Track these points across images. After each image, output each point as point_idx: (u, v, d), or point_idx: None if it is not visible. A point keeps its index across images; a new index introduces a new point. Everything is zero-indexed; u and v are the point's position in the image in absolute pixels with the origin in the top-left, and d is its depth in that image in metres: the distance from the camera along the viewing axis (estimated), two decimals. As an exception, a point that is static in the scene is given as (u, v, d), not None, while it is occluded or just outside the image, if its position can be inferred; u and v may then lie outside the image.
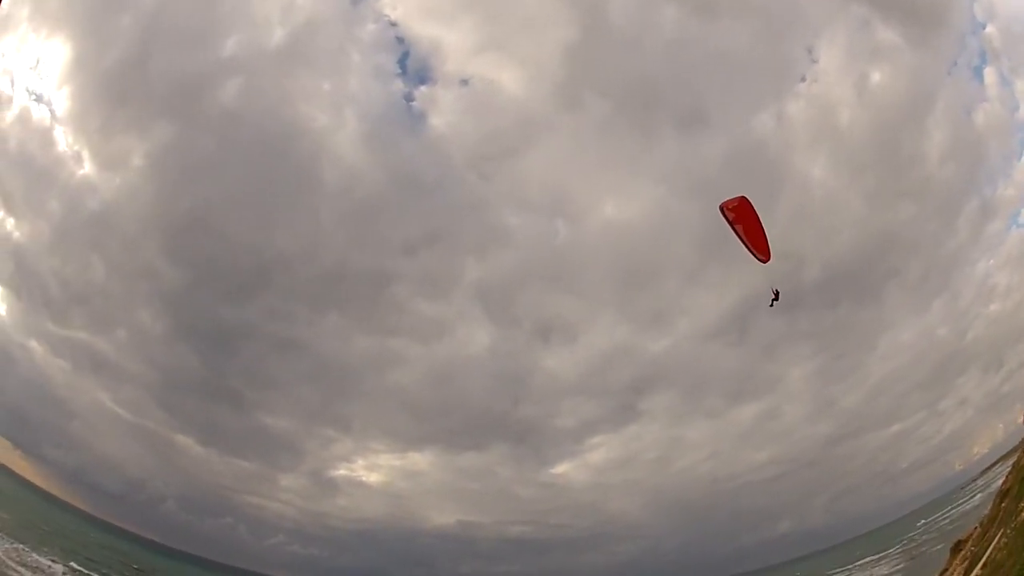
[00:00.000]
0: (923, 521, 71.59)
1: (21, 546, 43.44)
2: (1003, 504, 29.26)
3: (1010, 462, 37.56)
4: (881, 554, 61.45)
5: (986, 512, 32.97)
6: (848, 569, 63.63)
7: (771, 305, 16.23)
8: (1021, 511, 20.29)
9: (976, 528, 31.17)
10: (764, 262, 14.85)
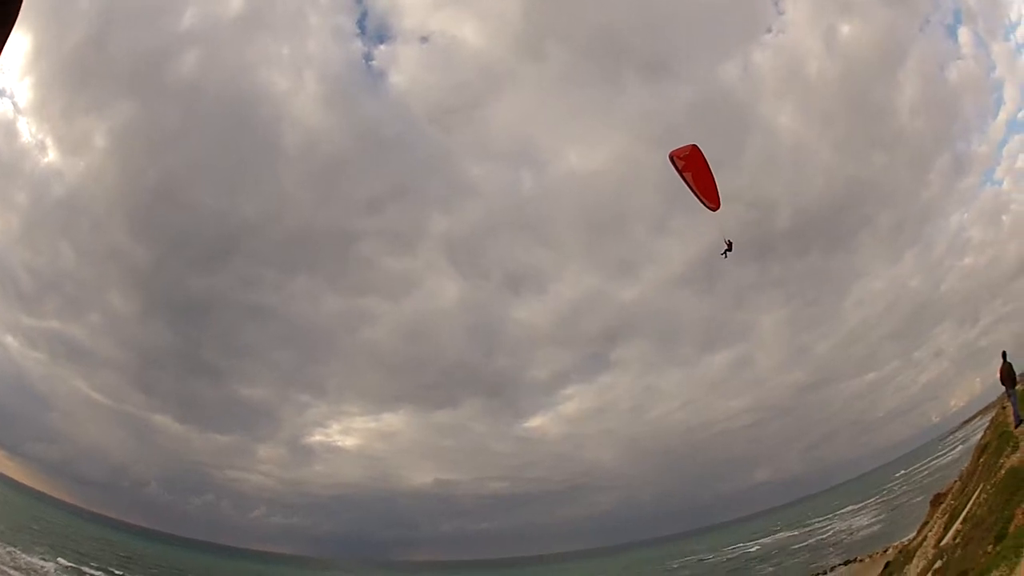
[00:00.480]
0: (902, 472, 73.67)
1: (12, 548, 42.72)
2: (982, 459, 29.91)
3: (988, 416, 38.44)
4: (860, 504, 63.16)
5: (965, 466, 33.79)
6: (828, 518, 65.36)
7: (724, 255, 15.87)
8: (1001, 467, 20.65)
9: (956, 482, 31.92)
10: (714, 210, 14.79)
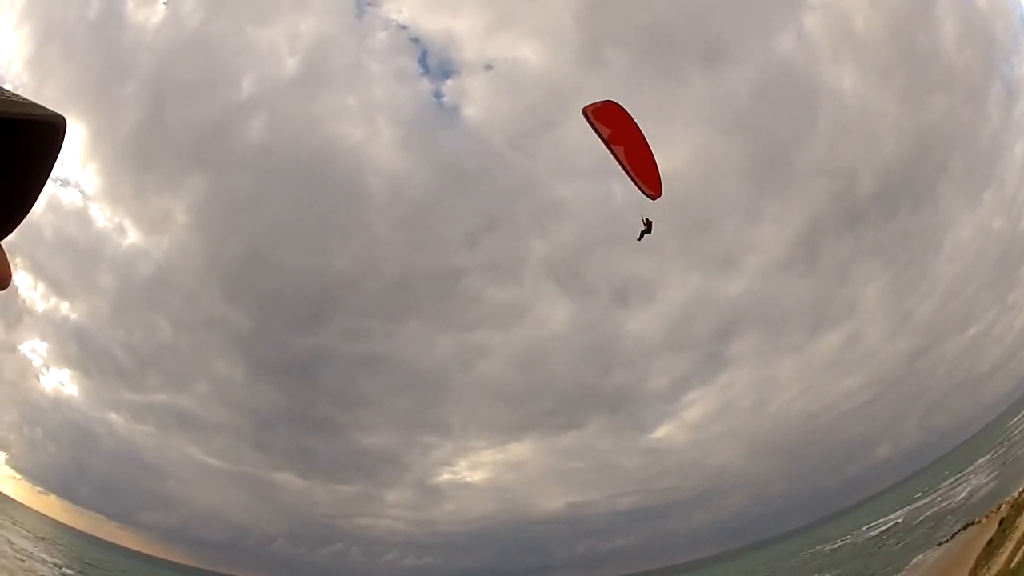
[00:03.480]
0: (1011, 422, 72.85)
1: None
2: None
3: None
4: (974, 464, 63.36)
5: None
6: (944, 485, 65.60)
7: (639, 239, 13.24)
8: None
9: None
10: (654, 198, 11.63)
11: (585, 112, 10.85)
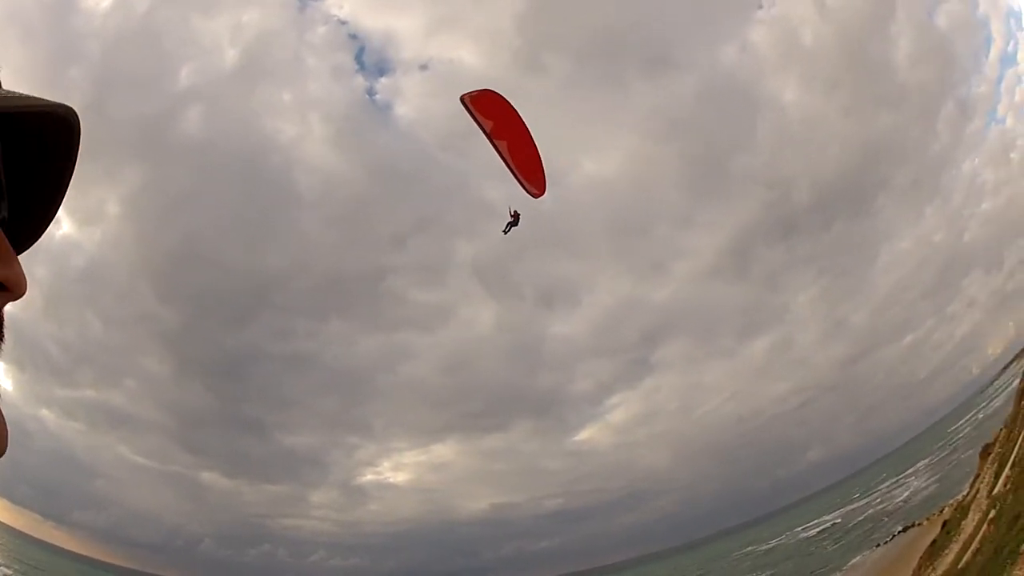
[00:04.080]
0: (950, 429, 72.79)
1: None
2: (1023, 403, 30.10)
3: (1024, 360, 38.41)
4: (912, 468, 62.52)
5: (1008, 412, 33.81)
6: (882, 487, 64.68)
7: (505, 231, 12.50)
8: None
9: (1002, 430, 32.05)
10: (537, 196, 11.01)
11: (463, 100, 10.33)
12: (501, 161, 10.74)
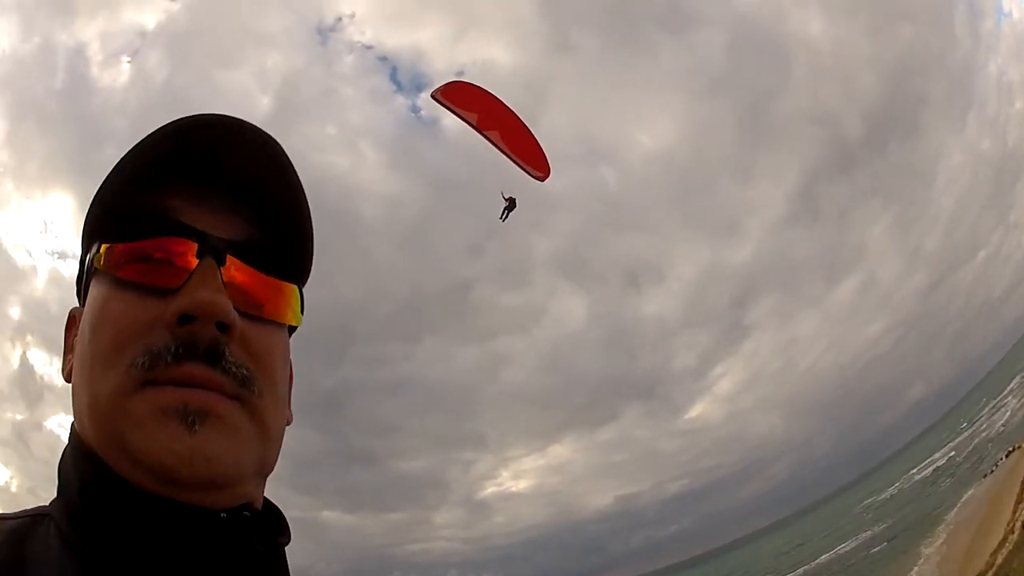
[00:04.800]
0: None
1: None
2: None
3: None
4: (1007, 389, 62.64)
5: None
6: (981, 415, 64.91)
7: (503, 218, 11.76)
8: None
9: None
10: (542, 179, 10.15)
11: (434, 97, 9.34)
12: (498, 152, 9.81)
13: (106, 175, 0.54)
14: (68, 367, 0.56)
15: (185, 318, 0.49)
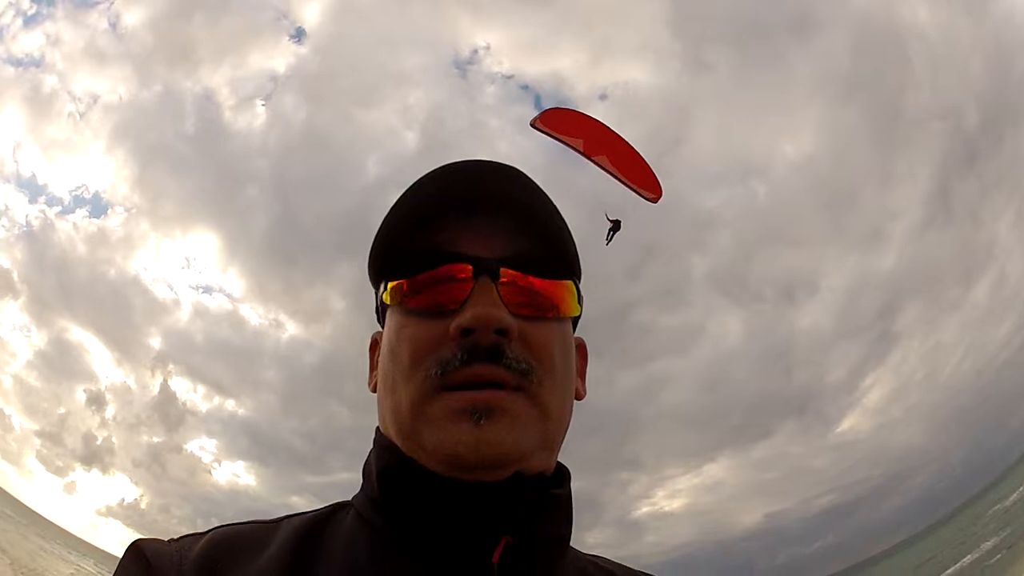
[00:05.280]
0: None
1: None
2: None
3: None
4: None
5: None
6: None
7: (608, 241, 10.34)
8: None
9: None
10: (656, 200, 9.19)
11: (534, 126, 8.66)
12: (608, 176, 8.56)
13: (381, 221, 0.64)
14: (373, 381, 0.68)
15: (467, 331, 0.58)
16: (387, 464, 0.62)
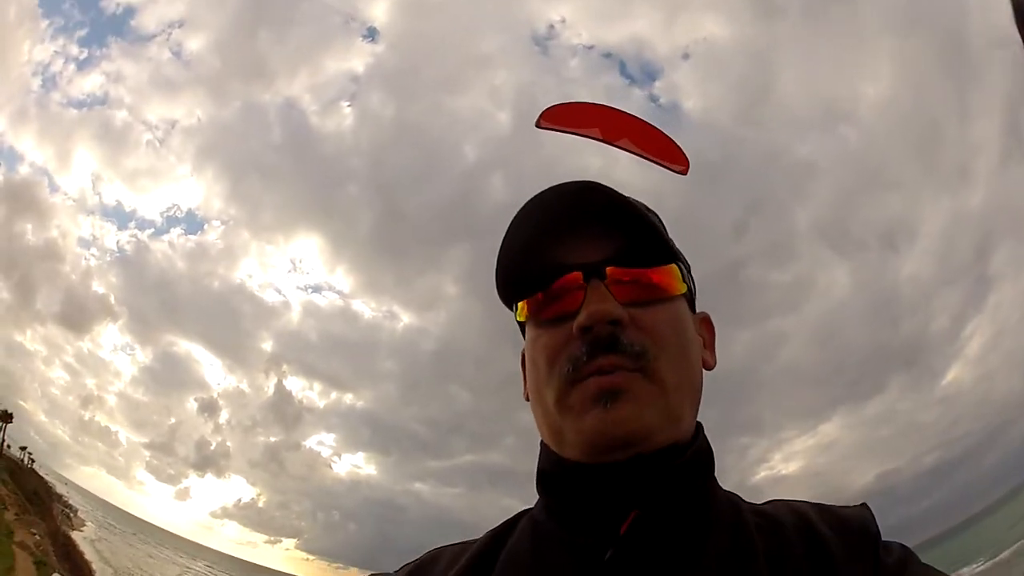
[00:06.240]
0: None
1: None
2: None
3: None
4: None
5: None
6: None
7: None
8: None
9: None
10: (685, 172, 9.85)
11: (540, 126, 10.29)
12: (634, 156, 12.07)
13: (499, 247, 0.73)
14: (526, 391, 0.77)
15: (587, 329, 0.66)
16: (543, 465, 0.71)
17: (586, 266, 0.68)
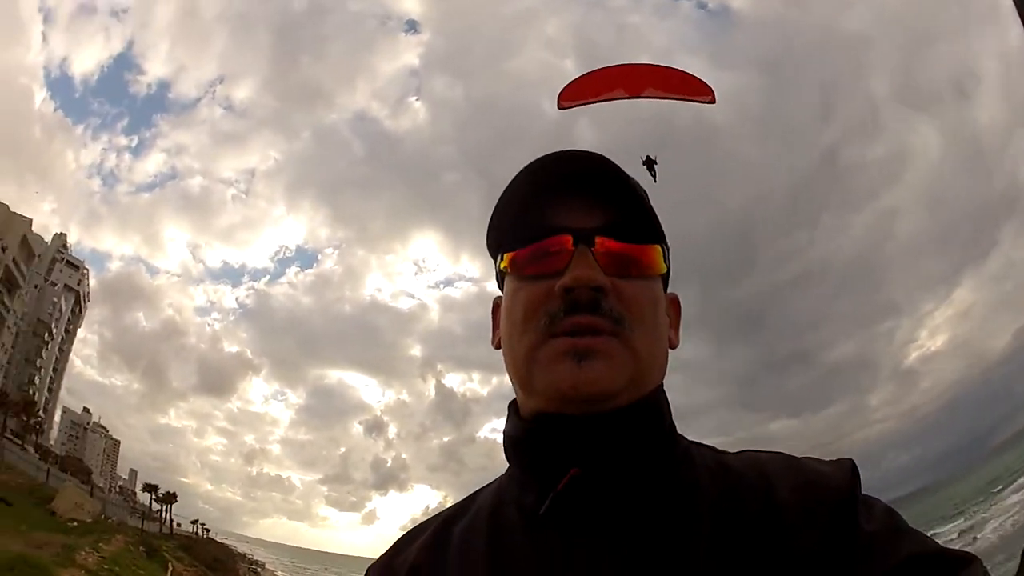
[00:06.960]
0: None
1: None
2: None
3: None
4: None
5: None
6: None
7: (655, 180, 9.79)
8: None
9: None
10: (712, 101, 9.35)
11: (563, 107, 8.18)
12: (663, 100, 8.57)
13: (496, 202, 0.73)
14: (496, 338, 0.76)
15: (569, 290, 0.66)
16: (506, 428, 0.72)
17: (577, 231, 0.69)
